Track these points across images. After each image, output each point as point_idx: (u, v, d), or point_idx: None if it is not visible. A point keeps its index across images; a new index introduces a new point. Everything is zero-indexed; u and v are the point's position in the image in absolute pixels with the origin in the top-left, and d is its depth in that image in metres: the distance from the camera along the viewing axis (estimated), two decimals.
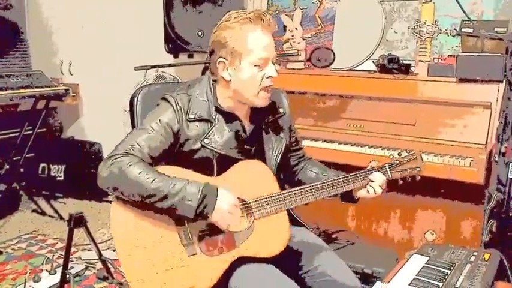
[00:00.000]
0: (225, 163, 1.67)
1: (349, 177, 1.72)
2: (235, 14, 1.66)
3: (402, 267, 1.73)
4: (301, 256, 1.74)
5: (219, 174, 1.67)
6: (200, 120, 1.67)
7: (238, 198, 1.64)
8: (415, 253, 1.84)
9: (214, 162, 1.67)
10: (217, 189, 1.56)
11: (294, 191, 1.67)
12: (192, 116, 1.65)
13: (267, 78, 1.65)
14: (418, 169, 1.77)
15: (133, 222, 1.58)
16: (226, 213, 1.55)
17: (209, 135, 1.66)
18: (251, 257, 1.62)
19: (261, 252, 1.62)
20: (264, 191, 1.65)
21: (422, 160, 1.79)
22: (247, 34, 1.61)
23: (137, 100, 1.92)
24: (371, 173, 1.73)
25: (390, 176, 1.75)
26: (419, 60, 2.76)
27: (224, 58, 1.65)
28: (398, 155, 1.80)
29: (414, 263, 1.76)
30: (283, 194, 1.66)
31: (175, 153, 1.66)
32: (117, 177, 1.53)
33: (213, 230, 1.61)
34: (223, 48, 1.64)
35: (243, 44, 1.61)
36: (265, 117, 1.79)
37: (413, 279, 1.64)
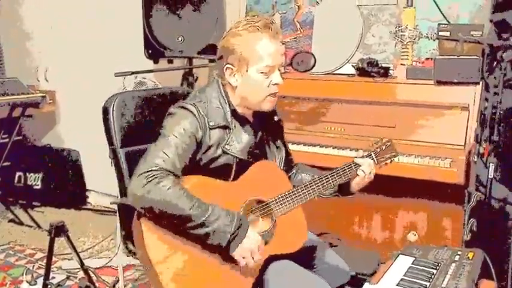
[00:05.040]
0: (241, 167, 1.72)
1: (345, 168, 1.84)
2: (244, 21, 1.70)
3: (389, 268, 1.75)
4: (305, 250, 1.82)
5: (235, 178, 1.72)
6: (219, 127, 1.69)
7: (258, 200, 1.71)
8: (401, 254, 1.86)
9: (234, 167, 1.71)
10: (248, 227, 1.60)
11: (305, 185, 1.76)
12: (212, 124, 1.68)
13: (273, 85, 1.70)
14: (394, 154, 1.94)
15: (168, 236, 1.58)
16: (246, 252, 1.59)
17: (229, 142, 1.69)
18: (276, 255, 1.70)
19: (286, 249, 1.71)
20: (280, 189, 1.74)
21: (395, 147, 1.96)
22: (255, 42, 1.65)
23: (113, 109, 1.91)
24: (360, 159, 1.87)
25: (376, 162, 1.89)
26: (401, 64, 2.80)
27: (231, 64, 1.69)
28: (377, 143, 1.94)
29: (400, 264, 1.77)
30: (297, 190, 1.75)
31: (196, 160, 1.68)
32: (155, 201, 1.52)
33: None
34: (231, 54, 1.68)
35: (250, 51, 1.65)
36: (266, 124, 1.85)
37: (401, 279, 1.65)
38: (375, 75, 2.83)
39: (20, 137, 4.26)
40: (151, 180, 1.52)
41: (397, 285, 1.62)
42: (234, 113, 1.73)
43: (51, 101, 4.07)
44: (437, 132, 2.59)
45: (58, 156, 4.25)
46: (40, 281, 2.55)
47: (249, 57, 1.66)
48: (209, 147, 1.67)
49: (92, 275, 2.64)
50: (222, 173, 1.70)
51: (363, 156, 1.88)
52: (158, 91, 2.17)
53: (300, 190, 1.75)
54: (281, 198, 1.72)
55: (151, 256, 1.56)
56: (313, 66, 2.90)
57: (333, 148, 2.76)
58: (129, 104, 1.99)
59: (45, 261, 2.49)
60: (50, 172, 4.20)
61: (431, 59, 2.72)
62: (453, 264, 1.74)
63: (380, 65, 2.86)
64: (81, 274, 2.74)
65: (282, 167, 1.86)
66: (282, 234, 1.72)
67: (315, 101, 2.95)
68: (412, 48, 2.81)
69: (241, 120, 1.75)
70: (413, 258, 1.80)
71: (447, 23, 2.81)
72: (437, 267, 1.72)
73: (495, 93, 2.25)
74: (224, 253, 1.60)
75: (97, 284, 2.67)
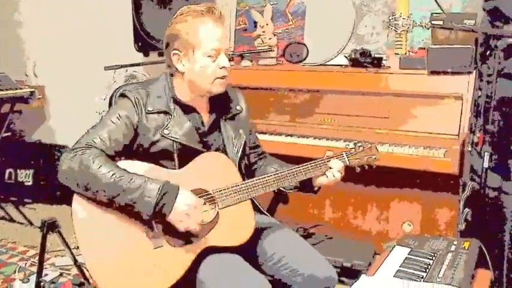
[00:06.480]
0: (186, 155, 1.70)
1: (308, 166, 1.78)
2: (187, 8, 1.72)
3: (385, 259, 1.74)
4: (266, 246, 1.77)
5: (181, 167, 1.69)
6: (159, 113, 1.70)
7: (201, 189, 1.66)
8: (397, 244, 1.85)
9: (175, 153, 1.69)
10: (179, 188, 1.57)
11: (257, 180, 1.71)
12: (150, 108, 1.69)
13: (220, 68, 1.70)
14: (374, 157, 1.89)
15: (97, 217, 1.58)
16: (184, 214, 1.56)
17: (168, 127, 1.70)
18: (217, 247, 1.64)
19: (227, 241, 1.65)
20: (227, 181, 1.68)
21: (377, 150, 1.91)
22: (199, 26, 1.68)
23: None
24: (329, 160, 1.80)
25: (348, 163, 1.84)
26: (396, 53, 2.78)
27: (178, 50, 1.70)
28: (354, 145, 1.90)
29: (396, 255, 1.77)
30: (245, 183, 1.70)
31: (136, 147, 1.69)
32: (76, 171, 1.55)
33: None
34: (176, 40, 1.70)
35: (195, 36, 1.67)
36: (224, 112, 1.83)
37: (397, 270, 1.65)
38: (368, 65, 2.81)
39: (9, 133, 4.21)
40: (76, 154, 1.57)
41: (394, 276, 1.61)
42: (175, 100, 1.74)
43: (40, 96, 4.00)
44: (431, 122, 2.59)
45: (48, 152, 4.18)
46: (33, 278, 2.52)
47: (194, 42, 1.67)
48: (147, 132, 1.68)
49: (85, 271, 2.61)
50: (164, 159, 1.69)
51: (333, 157, 1.82)
52: None
53: (249, 184, 1.69)
54: (226, 190, 1.66)
55: (79, 237, 1.55)
56: (306, 57, 2.88)
57: (327, 139, 2.74)
58: None
59: (37, 258, 2.45)
60: (41, 168, 4.14)
61: (425, 48, 2.71)
62: (449, 254, 1.74)
63: (373, 56, 2.84)
64: (74, 271, 2.70)
65: (239, 156, 1.79)
66: (224, 228, 1.65)
67: (308, 93, 2.93)
68: (406, 38, 2.79)
69: (185, 108, 1.75)
70: (410, 249, 1.80)
71: (440, 11, 2.79)
72: (434, 258, 1.72)
73: (488, 82, 2.24)
74: (156, 235, 1.58)
75: (91, 281, 2.64)
